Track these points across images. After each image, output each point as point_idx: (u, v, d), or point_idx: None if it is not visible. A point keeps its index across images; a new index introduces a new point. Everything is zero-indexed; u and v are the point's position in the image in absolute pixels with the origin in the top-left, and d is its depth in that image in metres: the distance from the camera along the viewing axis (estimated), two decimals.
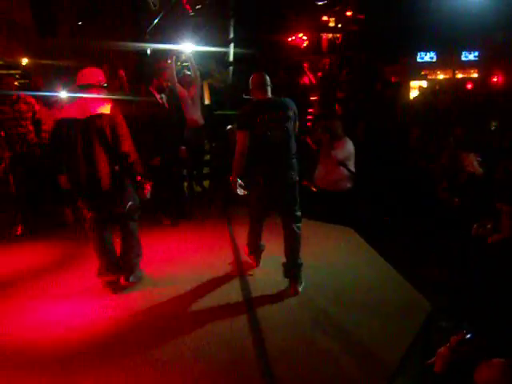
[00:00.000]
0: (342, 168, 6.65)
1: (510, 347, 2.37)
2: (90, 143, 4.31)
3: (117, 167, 4.37)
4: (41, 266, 5.39)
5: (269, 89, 4.46)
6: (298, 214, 4.47)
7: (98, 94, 4.46)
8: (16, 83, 7.39)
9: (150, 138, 6.13)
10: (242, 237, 5.16)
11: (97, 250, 4.63)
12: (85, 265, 5.17)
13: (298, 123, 4.59)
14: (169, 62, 7.13)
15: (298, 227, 4.45)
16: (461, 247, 4.90)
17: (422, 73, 23.93)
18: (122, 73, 7.77)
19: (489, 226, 4.71)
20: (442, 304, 4.19)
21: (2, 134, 6.40)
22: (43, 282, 4.94)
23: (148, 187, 4.54)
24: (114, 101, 4.54)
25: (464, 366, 2.46)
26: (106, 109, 4.37)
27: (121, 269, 4.67)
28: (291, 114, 4.42)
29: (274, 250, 4.88)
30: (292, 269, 4.42)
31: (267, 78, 4.48)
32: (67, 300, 4.47)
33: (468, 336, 1.94)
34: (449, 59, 23.67)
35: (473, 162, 5.92)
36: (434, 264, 5.12)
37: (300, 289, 4.40)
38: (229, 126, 7.75)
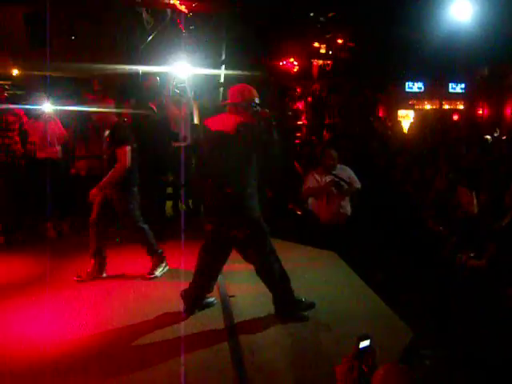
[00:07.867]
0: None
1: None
2: None
3: None
4: (17, 278, 5.32)
5: None
6: None
7: None
8: (5, 94, 7.35)
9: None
10: None
11: None
12: (60, 278, 5.14)
13: None
14: (157, 79, 7.19)
15: None
16: (442, 273, 4.91)
17: (410, 102, 24.23)
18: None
19: (472, 254, 4.77)
20: (423, 329, 4.16)
21: None
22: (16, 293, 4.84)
23: None
24: None
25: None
26: None
27: None
28: None
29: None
30: None
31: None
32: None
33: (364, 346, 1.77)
34: (437, 90, 24.03)
35: (473, 201, 5.79)
36: (416, 289, 5.08)
37: None
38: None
